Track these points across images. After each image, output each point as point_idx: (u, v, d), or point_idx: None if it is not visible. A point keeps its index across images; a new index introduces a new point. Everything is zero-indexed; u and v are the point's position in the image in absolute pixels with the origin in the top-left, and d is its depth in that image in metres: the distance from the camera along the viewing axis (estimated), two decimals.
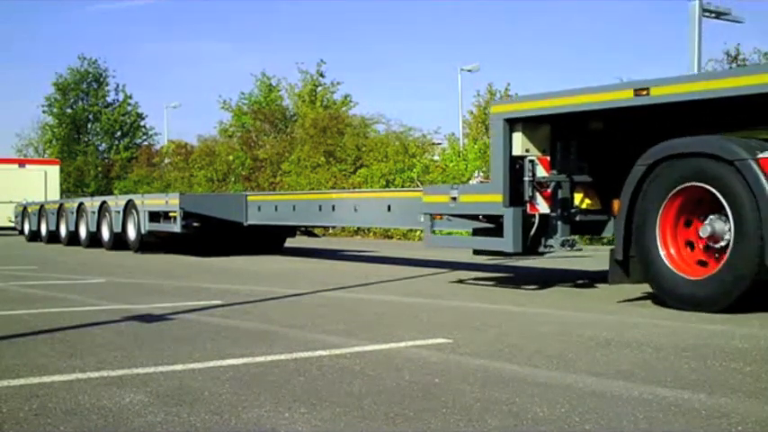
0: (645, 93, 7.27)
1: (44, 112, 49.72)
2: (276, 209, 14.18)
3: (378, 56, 77.61)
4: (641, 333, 5.60)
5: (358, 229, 23.75)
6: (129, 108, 49.59)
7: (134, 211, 16.56)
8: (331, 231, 23.99)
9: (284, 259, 14.37)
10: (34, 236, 22.55)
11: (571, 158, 8.46)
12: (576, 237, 8.66)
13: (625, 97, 7.44)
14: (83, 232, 19.12)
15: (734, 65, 21.04)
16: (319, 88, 38.07)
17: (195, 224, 14.85)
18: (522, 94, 8.77)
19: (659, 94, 7.19)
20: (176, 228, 14.90)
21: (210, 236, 15.37)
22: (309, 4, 75.04)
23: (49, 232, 21.40)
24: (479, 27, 73.49)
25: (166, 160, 42.08)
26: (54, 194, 29.51)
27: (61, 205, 20.77)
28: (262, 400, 3.59)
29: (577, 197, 8.55)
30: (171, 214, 15.19)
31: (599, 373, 4.21)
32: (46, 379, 4.00)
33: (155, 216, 15.83)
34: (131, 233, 16.73)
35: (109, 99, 49.56)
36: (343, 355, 4.72)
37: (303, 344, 5.06)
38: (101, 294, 8.30)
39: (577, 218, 8.46)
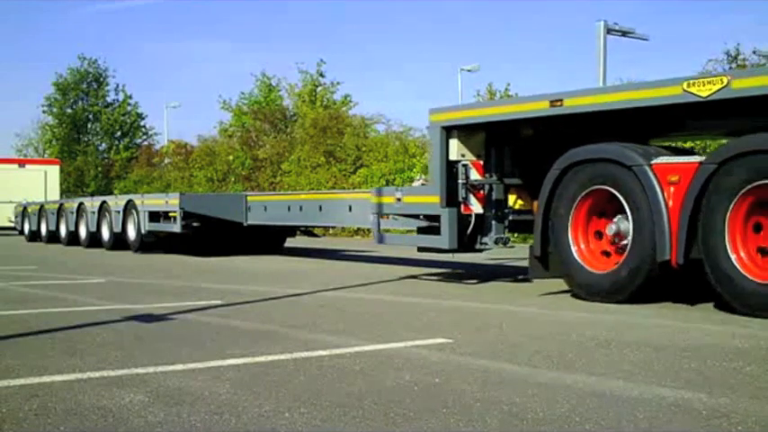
0: (559, 104, 7.95)
1: (44, 112, 49.78)
2: (265, 209, 14.38)
3: (378, 56, 77.62)
4: (641, 333, 5.60)
5: (358, 229, 23.75)
6: (129, 108, 49.58)
7: (134, 211, 16.55)
8: (331, 231, 24.00)
9: (284, 259, 14.37)
10: (34, 236, 22.55)
11: (504, 163, 9.08)
12: (511, 235, 9.32)
13: (543, 107, 8.11)
14: (83, 232, 19.11)
15: (734, 65, 21.17)
16: (319, 88, 38.06)
17: (195, 224, 14.85)
18: (457, 104, 9.55)
19: (571, 104, 7.87)
20: (176, 228, 14.90)
21: (210, 236, 15.37)
22: (309, 5, 75.00)
23: (48, 232, 21.39)
24: (479, 27, 73.51)
25: (166, 160, 42.07)
26: (54, 194, 29.49)
27: (61, 205, 20.76)
28: (262, 400, 3.59)
29: (511, 198, 9.13)
30: (171, 214, 15.19)
31: (599, 373, 4.21)
32: (46, 379, 4.00)
33: (155, 216, 15.83)
34: (131, 233, 16.73)
35: (109, 99, 49.58)
36: (343, 355, 4.72)
37: (303, 344, 5.06)
38: (101, 294, 8.31)
39: (510, 217, 9.05)
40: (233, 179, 35.02)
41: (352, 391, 3.78)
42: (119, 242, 17.13)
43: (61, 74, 48.47)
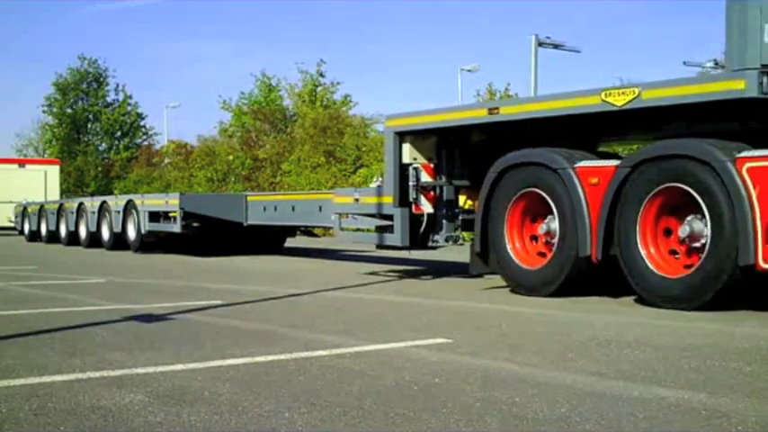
0: (496, 111, 8.58)
1: (44, 112, 49.68)
2: (247, 209, 14.64)
3: (378, 56, 77.57)
4: (641, 333, 5.60)
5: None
6: (129, 108, 49.49)
7: (134, 211, 16.55)
8: (331, 231, 23.97)
9: (284, 259, 14.37)
10: (34, 236, 22.54)
11: (454, 166, 9.63)
12: (463, 233, 9.82)
13: (482, 115, 8.78)
14: (83, 232, 19.11)
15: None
16: (319, 88, 38.03)
17: (195, 224, 14.85)
18: (411, 110, 9.98)
19: (506, 112, 8.53)
20: (176, 228, 14.90)
21: (210, 236, 15.37)
22: (310, 5, 74.96)
23: (48, 232, 21.38)
24: (479, 27, 73.48)
25: (166, 160, 42.03)
26: (54, 194, 29.47)
27: (61, 205, 20.76)
28: (262, 400, 3.59)
29: (461, 199, 9.68)
30: (171, 214, 15.19)
31: (599, 373, 4.21)
32: (46, 379, 4.00)
33: (155, 216, 15.83)
34: (131, 233, 16.72)
35: (109, 99, 49.46)
36: (343, 355, 4.72)
37: (303, 344, 5.06)
38: (101, 294, 8.31)
39: (461, 217, 9.57)
40: (233, 179, 35.00)
41: (352, 391, 3.78)
42: (119, 242, 17.12)
43: (61, 74, 48.42)
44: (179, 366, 4.33)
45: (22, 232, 24.08)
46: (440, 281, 9.91)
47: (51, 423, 3.23)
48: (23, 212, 23.74)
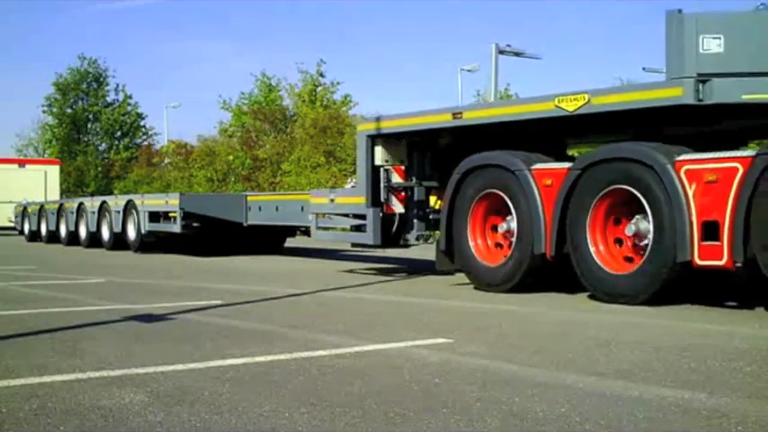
0: (460, 116, 8.95)
1: (44, 112, 49.63)
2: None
3: (378, 56, 77.58)
4: (641, 333, 5.60)
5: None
6: (129, 108, 49.46)
7: (134, 211, 16.55)
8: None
9: (284, 259, 14.37)
10: (34, 236, 22.54)
11: (425, 167, 10.00)
12: (433, 232, 10.08)
13: (447, 119, 9.12)
14: (83, 232, 19.10)
15: None
16: (319, 88, 38.02)
17: (195, 224, 14.84)
18: (383, 114, 10.42)
19: (469, 117, 8.91)
20: (176, 228, 14.89)
21: (210, 236, 15.36)
22: (309, 5, 74.94)
23: (48, 232, 21.38)
24: (479, 27, 73.46)
25: (166, 160, 42.05)
26: (54, 194, 29.46)
27: (61, 205, 20.76)
28: (262, 400, 3.59)
29: (432, 199, 10.01)
30: (171, 214, 15.18)
31: (599, 373, 4.21)
32: (46, 379, 4.00)
33: (155, 216, 15.82)
34: (131, 233, 16.72)
35: (109, 99, 49.41)
36: (343, 355, 4.72)
37: (303, 344, 5.06)
38: (101, 294, 8.30)
39: (431, 216, 9.88)
40: (233, 179, 35.02)
41: (352, 391, 3.78)
42: (119, 242, 17.11)
43: (61, 74, 48.37)
44: (179, 366, 4.33)
45: (22, 232, 24.08)
46: (439, 280, 9.90)
47: (51, 423, 3.23)
48: (23, 212, 23.74)
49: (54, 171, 31.44)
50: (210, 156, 36.35)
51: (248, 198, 14.86)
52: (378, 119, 10.25)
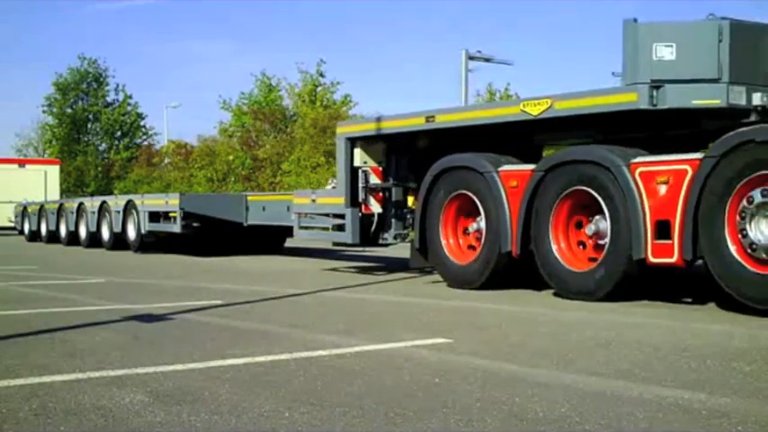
0: (433, 119, 9.31)
1: (44, 111, 49.60)
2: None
3: (378, 56, 77.60)
4: (641, 333, 5.60)
5: None
6: (129, 108, 49.44)
7: (134, 211, 16.54)
8: None
9: (284, 259, 14.37)
10: (34, 236, 22.53)
11: (402, 168, 10.27)
12: (410, 231, 10.26)
13: (421, 123, 9.50)
14: (83, 232, 19.10)
15: None
16: (319, 88, 38.02)
17: (195, 224, 14.84)
18: (362, 117, 11.15)
19: (441, 120, 9.26)
20: (176, 228, 14.89)
21: (210, 236, 15.36)
22: (309, 4, 74.92)
23: (48, 232, 21.37)
24: (479, 27, 73.45)
25: (166, 160, 42.05)
26: (54, 194, 29.44)
27: (61, 205, 20.75)
28: (262, 400, 3.59)
29: (410, 199, 10.29)
30: (171, 214, 15.17)
31: (599, 373, 4.21)
32: (46, 379, 4.00)
33: (155, 216, 15.81)
34: (131, 233, 16.71)
35: (109, 99, 49.39)
36: (343, 355, 4.72)
37: (303, 344, 5.06)
38: (101, 294, 8.31)
39: (408, 216, 10.16)
40: (233, 179, 35.02)
41: (352, 391, 3.78)
42: (119, 242, 17.11)
43: (61, 74, 48.34)
44: (179, 366, 4.33)
45: (22, 232, 24.07)
46: (439, 280, 9.90)
47: (51, 423, 3.23)
48: (23, 212, 23.73)
49: (54, 171, 31.42)
50: (210, 156, 36.35)
51: (248, 198, 14.93)
52: (356, 122, 10.79)
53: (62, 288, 8.92)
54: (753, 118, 6.99)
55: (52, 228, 20.95)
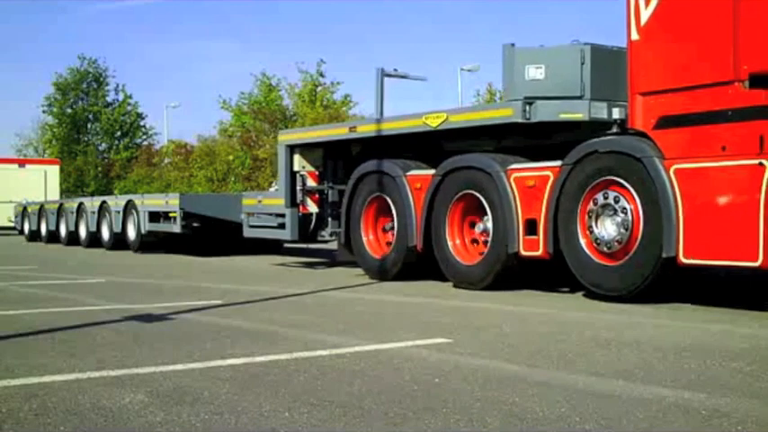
0: (354, 129, 10.57)
1: (44, 111, 49.63)
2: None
3: (378, 56, 77.57)
4: (641, 333, 5.60)
5: None
6: (129, 108, 49.45)
7: (134, 211, 16.55)
8: None
9: (284, 259, 14.37)
10: (34, 236, 22.53)
11: (338, 172, 11.21)
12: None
13: (345, 132, 10.77)
14: (83, 232, 19.10)
15: None
16: (319, 88, 38.01)
17: (195, 224, 14.84)
18: (297, 128, 12.06)
19: (361, 130, 10.48)
20: (176, 228, 14.89)
21: (210, 236, 15.36)
22: (310, 4, 74.97)
23: (48, 232, 21.38)
24: (479, 27, 73.46)
25: (166, 160, 42.01)
26: (54, 194, 29.45)
27: (61, 205, 20.76)
28: (262, 400, 3.59)
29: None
30: (171, 214, 15.18)
31: (599, 373, 4.21)
32: (46, 379, 4.00)
33: (155, 216, 15.82)
34: (131, 233, 16.72)
35: (109, 99, 49.42)
36: (343, 355, 4.72)
37: (303, 344, 5.06)
38: (101, 294, 8.31)
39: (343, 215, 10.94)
40: (233, 179, 35.00)
41: (352, 391, 3.78)
42: (119, 242, 17.11)
43: (61, 74, 48.35)
44: (179, 366, 4.33)
45: (21, 232, 24.08)
46: (439, 280, 9.90)
47: (51, 423, 3.23)
48: (23, 212, 23.74)
49: (54, 171, 31.43)
50: (210, 156, 36.31)
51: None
52: (295, 131, 12.53)
53: (62, 288, 8.92)
54: (615, 129, 7.64)
55: (52, 228, 20.96)
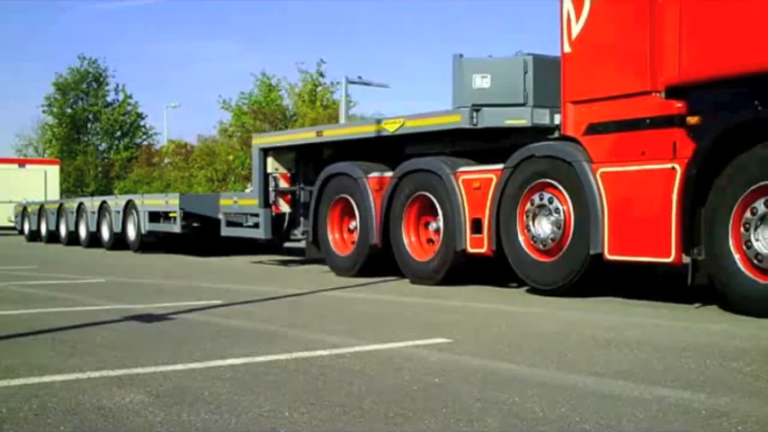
0: (321, 134, 11.18)
1: (44, 111, 49.60)
2: None
3: (377, 56, 77.61)
4: (641, 333, 5.60)
5: None
6: (129, 108, 49.44)
7: (134, 211, 16.55)
8: None
9: (284, 259, 14.37)
10: (34, 236, 22.54)
11: (309, 174, 11.63)
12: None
13: (313, 136, 11.36)
14: (83, 232, 19.11)
15: None
16: (319, 88, 38.00)
17: (195, 224, 14.85)
18: (270, 132, 12.42)
19: (327, 134, 11.14)
20: (176, 228, 14.90)
21: (210, 236, 15.35)
22: (310, 4, 75.02)
23: (48, 232, 21.38)
24: (479, 27, 73.47)
25: (166, 160, 42.01)
26: (54, 194, 29.45)
27: (61, 205, 20.76)
28: (262, 400, 3.59)
29: None
30: (171, 214, 15.19)
31: (599, 373, 4.20)
32: (46, 379, 4.00)
33: (154, 216, 15.82)
34: (131, 233, 16.72)
35: (109, 99, 49.40)
36: (343, 355, 4.72)
37: (303, 344, 5.06)
38: (101, 294, 8.31)
39: None
40: (233, 179, 34.98)
41: (352, 391, 3.78)
42: (119, 242, 17.12)
43: (61, 74, 48.32)
44: (179, 366, 4.33)
45: (21, 232, 24.08)
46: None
47: (51, 423, 3.23)
48: (23, 212, 23.74)
49: (54, 171, 31.43)
50: (210, 156, 36.31)
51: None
52: (268, 135, 13.18)
53: (62, 288, 8.92)
54: (557, 134, 8.13)
55: (52, 228, 20.96)
